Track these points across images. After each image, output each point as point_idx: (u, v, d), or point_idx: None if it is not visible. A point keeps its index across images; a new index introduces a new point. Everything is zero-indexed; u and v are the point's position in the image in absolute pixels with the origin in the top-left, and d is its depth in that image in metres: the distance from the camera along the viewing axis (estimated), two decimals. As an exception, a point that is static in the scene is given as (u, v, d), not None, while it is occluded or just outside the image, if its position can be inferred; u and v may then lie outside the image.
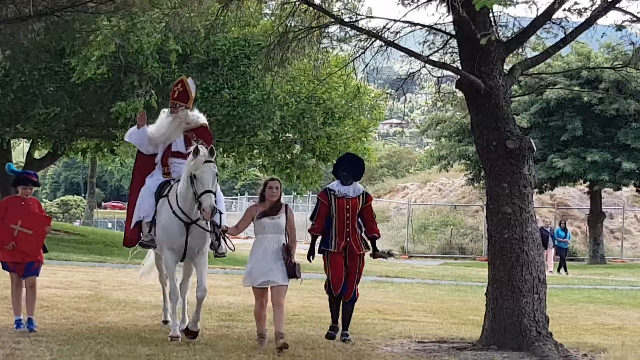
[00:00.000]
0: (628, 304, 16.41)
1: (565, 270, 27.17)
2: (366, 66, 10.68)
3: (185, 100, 9.86)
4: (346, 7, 10.96)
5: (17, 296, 8.99)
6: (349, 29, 10.58)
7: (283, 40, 10.73)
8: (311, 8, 10.29)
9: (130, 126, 12.11)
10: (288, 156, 22.61)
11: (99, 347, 8.36)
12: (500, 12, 10.30)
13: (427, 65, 10.64)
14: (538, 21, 10.10)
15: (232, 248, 9.34)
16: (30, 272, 9.03)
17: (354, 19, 10.73)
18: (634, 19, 10.16)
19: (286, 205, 8.97)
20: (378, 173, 52.04)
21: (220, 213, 9.24)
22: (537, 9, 9.90)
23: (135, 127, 9.99)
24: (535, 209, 10.21)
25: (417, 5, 10.29)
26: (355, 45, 10.82)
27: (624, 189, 34.28)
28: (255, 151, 22.05)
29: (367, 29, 10.27)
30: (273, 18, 13.16)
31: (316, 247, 9.83)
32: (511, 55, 10.55)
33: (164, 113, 9.99)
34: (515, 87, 14.51)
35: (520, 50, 10.69)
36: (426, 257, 34.16)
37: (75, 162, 62.08)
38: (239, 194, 58.44)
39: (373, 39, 10.29)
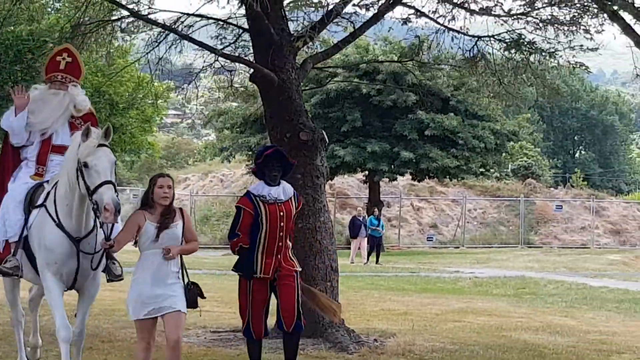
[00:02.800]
0: (410, 290, 17.99)
1: (377, 259, 27.91)
2: (160, 60, 11.10)
3: (77, 75, 7.88)
4: (139, -1, 11.35)
5: None
6: (142, 22, 10.95)
7: (76, 34, 10.84)
8: (106, 2, 10.54)
9: None
10: None
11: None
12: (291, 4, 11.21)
13: (220, 59, 11.28)
14: (328, 16, 10.75)
15: (121, 274, 7.31)
16: None
17: (147, 12, 11.04)
18: (419, 13, 11.45)
19: (181, 209, 7.06)
20: (157, 164, 51.95)
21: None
22: (328, 5, 10.83)
23: (10, 110, 7.64)
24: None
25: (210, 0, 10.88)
26: (149, 39, 11.21)
27: (400, 178, 37.13)
28: None
29: (161, 22, 10.70)
30: (60, 14, 13.52)
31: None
32: (302, 49, 11.13)
33: (37, 90, 7.82)
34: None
35: (311, 44, 11.37)
36: (209, 247, 34.84)
37: None
38: None
39: (167, 32, 10.72)
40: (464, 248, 37.46)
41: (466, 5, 11.22)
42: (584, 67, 12.02)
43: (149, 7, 11.25)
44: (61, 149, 7.42)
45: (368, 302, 15.11)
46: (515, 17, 11.32)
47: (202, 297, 7.28)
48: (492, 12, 11.26)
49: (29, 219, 7.13)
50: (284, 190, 8.01)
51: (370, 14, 11.29)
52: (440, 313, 13.39)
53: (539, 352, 10.10)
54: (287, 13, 11.06)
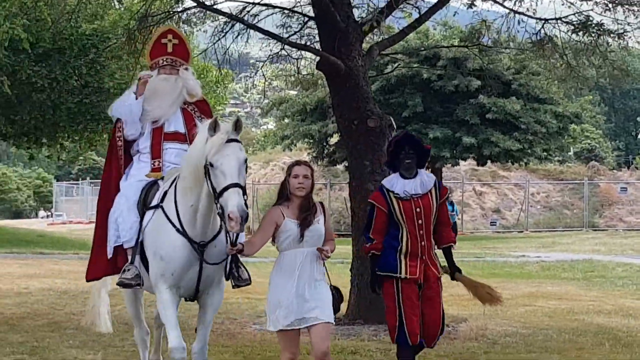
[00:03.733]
0: (477, 275, 17.87)
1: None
2: (227, 50, 11.47)
3: (186, 58, 7.27)
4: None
5: None
6: (207, 12, 11.30)
7: (143, 26, 11.14)
8: None
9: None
10: None
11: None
12: None
13: (286, 47, 11.55)
14: (396, 1, 10.89)
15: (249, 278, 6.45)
16: None
17: (212, 3, 11.38)
18: None
19: (321, 203, 6.28)
20: None
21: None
22: None
23: (127, 96, 7.12)
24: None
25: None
26: (214, 29, 11.58)
27: (462, 163, 37.25)
28: (105, 136, 22.70)
29: (227, 11, 11.04)
30: (124, 7, 14.11)
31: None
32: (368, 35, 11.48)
33: (146, 77, 7.02)
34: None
35: (377, 30, 11.57)
36: (272, 236, 35.78)
37: None
38: (79, 179, 57.79)
39: (233, 22, 11.03)
40: (528, 232, 37.29)
41: None
42: None
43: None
44: (175, 136, 6.85)
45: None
46: None
47: (342, 301, 6.70)
48: None
49: (142, 221, 6.40)
50: (421, 183, 6.94)
51: None
52: (510, 297, 13.48)
53: (613, 335, 10.10)
54: (352, 1, 11.31)
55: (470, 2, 11.82)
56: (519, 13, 11.96)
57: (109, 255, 6.52)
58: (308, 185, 5.97)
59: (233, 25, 11.54)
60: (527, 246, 28.69)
